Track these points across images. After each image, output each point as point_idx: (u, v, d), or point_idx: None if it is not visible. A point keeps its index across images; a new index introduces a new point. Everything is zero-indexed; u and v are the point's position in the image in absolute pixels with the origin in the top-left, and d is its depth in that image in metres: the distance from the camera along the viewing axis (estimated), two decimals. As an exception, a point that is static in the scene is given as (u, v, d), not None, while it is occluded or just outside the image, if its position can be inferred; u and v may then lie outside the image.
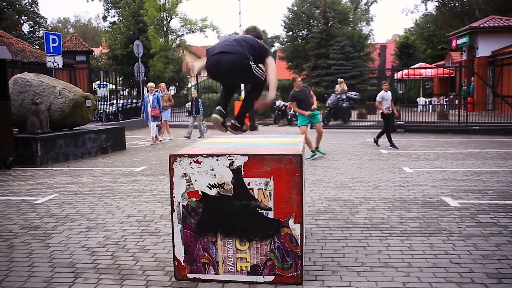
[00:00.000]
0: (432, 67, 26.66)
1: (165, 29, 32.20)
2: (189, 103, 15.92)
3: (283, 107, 21.11)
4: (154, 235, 4.98)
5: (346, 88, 20.89)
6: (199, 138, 14.84)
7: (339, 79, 20.91)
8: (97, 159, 10.78)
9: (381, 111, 11.96)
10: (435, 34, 36.63)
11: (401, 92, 29.15)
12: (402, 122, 16.36)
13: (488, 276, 3.74)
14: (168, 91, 16.33)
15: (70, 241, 4.84)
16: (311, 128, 11.22)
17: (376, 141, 12.23)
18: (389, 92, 11.83)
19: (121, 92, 26.33)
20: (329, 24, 36.04)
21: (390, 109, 11.86)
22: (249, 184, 3.60)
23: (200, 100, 15.66)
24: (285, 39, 42.38)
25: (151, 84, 14.18)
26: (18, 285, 3.74)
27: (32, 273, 3.98)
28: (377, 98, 11.90)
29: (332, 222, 5.33)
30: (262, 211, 3.61)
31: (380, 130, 12.44)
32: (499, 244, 4.47)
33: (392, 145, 11.77)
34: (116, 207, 6.23)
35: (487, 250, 4.32)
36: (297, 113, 10.66)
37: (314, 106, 10.22)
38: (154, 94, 13.80)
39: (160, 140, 14.29)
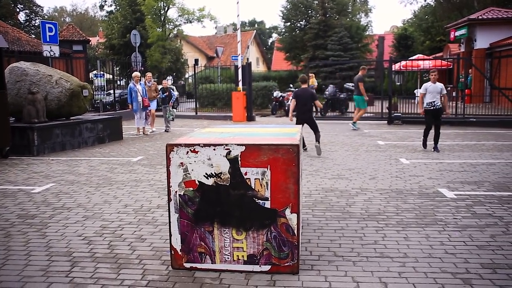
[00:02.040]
0: (430, 58, 26.57)
1: (162, 18, 31.97)
2: (160, 94, 14.99)
3: (281, 98, 21.06)
4: (151, 225, 4.99)
5: (315, 83, 19.24)
6: (165, 131, 14.32)
7: (310, 74, 19.09)
8: (94, 149, 10.76)
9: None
10: (434, 25, 36.53)
11: (398, 83, 29.08)
12: (400, 114, 16.38)
13: (483, 267, 3.77)
14: (166, 80, 16.03)
15: (67, 230, 4.84)
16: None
17: (435, 148, 9.75)
18: (438, 84, 9.57)
19: (118, 82, 26.21)
20: (327, 15, 35.93)
21: (436, 104, 9.49)
22: (246, 173, 3.60)
23: (172, 90, 15.10)
24: (283, 30, 42.28)
25: (137, 74, 13.91)
26: (15, 274, 3.74)
27: (29, 261, 3.99)
28: (420, 90, 9.96)
29: (329, 213, 5.34)
30: (259, 200, 3.62)
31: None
32: (494, 235, 4.50)
33: (424, 145, 10.00)
34: (113, 196, 6.23)
35: (482, 241, 4.35)
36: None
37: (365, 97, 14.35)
38: (140, 84, 13.64)
39: (152, 131, 14.09)
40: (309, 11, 38.98)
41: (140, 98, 13.29)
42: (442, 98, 9.65)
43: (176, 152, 3.68)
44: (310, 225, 4.89)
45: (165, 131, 14.37)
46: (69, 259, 4.03)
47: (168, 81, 15.66)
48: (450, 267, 3.77)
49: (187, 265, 3.76)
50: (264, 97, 23.29)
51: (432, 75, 9.73)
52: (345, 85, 22.95)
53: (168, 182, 3.72)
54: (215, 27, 58.51)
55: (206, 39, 53.31)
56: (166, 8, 32.05)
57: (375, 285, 3.47)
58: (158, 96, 14.51)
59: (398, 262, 3.87)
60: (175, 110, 15.32)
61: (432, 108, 9.56)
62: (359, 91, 14.03)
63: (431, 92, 9.56)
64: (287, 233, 3.63)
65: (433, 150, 9.69)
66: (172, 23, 33.24)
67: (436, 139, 9.75)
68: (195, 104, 21.62)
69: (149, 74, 14.97)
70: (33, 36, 34.96)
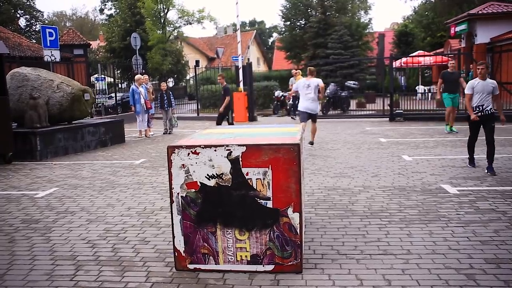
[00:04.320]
0: (430, 55, 26.58)
1: (162, 21, 32.02)
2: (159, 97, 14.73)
3: (282, 97, 21.05)
4: (154, 227, 5.00)
5: None
6: (167, 133, 14.21)
7: (293, 71, 17.82)
8: (96, 152, 10.78)
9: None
10: (434, 21, 36.46)
11: (401, 83, 28.89)
12: (401, 111, 16.36)
13: (487, 262, 3.76)
14: (166, 83, 15.98)
15: (71, 234, 4.86)
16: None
17: (489, 169, 7.10)
18: (489, 81, 7.21)
19: (120, 85, 26.26)
20: (327, 14, 35.91)
21: (485, 108, 7.13)
22: (247, 174, 3.60)
23: (171, 92, 15.02)
24: (283, 29, 42.27)
25: (140, 76, 13.94)
26: (20, 278, 3.76)
27: (34, 266, 4.01)
28: (465, 90, 7.41)
29: (332, 211, 5.35)
30: (261, 200, 3.62)
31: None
32: (498, 230, 4.50)
33: (471, 162, 7.59)
34: (116, 199, 6.25)
35: (486, 236, 4.34)
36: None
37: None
38: (143, 86, 13.67)
39: (151, 135, 14.01)
40: (309, 10, 38.96)
41: (143, 101, 13.36)
42: (494, 99, 7.27)
43: (177, 154, 3.69)
44: (313, 224, 4.89)
45: (168, 133, 14.36)
46: (73, 263, 4.05)
47: (169, 83, 15.58)
48: (454, 263, 3.77)
49: (191, 266, 3.77)
50: (266, 97, 23.28)
51: (479, 68, 7.22)
52: (346, 83, 22.94)
53: (170, 184, 3.74)
54: (215, 28, 58.56)
55: (207, 40, 53.35)
56: (166, 10, 32.10)
57: (378, 282, 3.47)
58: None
59: (401, 259, 3.87)
60: (175, 115, 15.24)
61: (480, 114, 7.19)
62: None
63: (479, 92, 7.13)
64: (290, 232, 3.64)
65: (486, 171, 7.10)
66: (172, 25, 33.30)
67: (490, 156, 7.11)
68: (196, 105, 21.64)
69: (146, 76, 14.93)
70: (34, 41, 35.03)
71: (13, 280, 3.74)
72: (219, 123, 12.74)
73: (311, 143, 10.25)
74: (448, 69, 12.04)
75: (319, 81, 10.03)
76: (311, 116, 10.13)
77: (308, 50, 35.70)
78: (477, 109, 7.20)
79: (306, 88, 9.97)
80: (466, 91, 7.37)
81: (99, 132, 11.62)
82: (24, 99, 10.36)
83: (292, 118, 15.09)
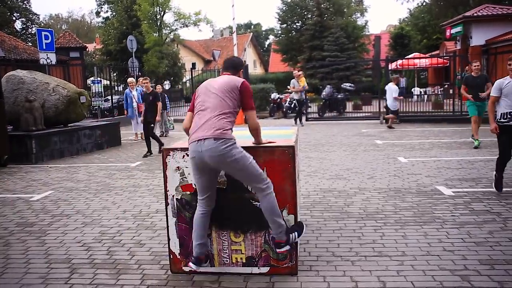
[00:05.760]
0: (426, 57, 26.66)
1: (158, 23, 32.05)
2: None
3: (279, 99, 21.07)
4: (150, 230, 5.00)
5: (306, 84, 16.35)
6: (163, 136, 14.04)
7: (295, 72, 17.05)
8: (92, 155, 10.76)
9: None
10: (430, 24, 36.60)
11: (401, 81, 28.88)
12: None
13: (481, 263, 3.78)
14: (162, 85, 15.94)
15: (66, 237, 4.85)
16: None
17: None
18: None
19: (116, 88, 26.24)
20: (323, 16, 36.02)
21: None
22: (242, 176, 3.60)
23: (166, 95, 14.83)
24: (280, 32, 42.39)
25: (132, 80, 13.93)
26: (15, 282, 3.75)
27: (28, 269, 4.00)
28: (492, 91, 6.07)
29: (327, 213, 5.35)
30: (256, 203, 3.62)
31: None
32: (492, 231, 4.51)
33: (498, 184, 6.00)
34: (111, 202, 6.24)
35: (480, 237, 4.36)
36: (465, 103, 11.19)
37: (484, 95, 9.39)
38: (136, 90, 13.64)
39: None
40: (305, 12, 39.09)
41: (135, 104, 13.28)
42: None
43: (172, 156, 3.70)
44: (308, 226, 4.88)
45: (164, 135, 14.33)
46: (68, 266, 4.04)
47: (166, 86, 15.52)
48: (448, 264, 3.78)
49: (186, 269, 3.77)
50: (262, 99, 23.28)
51: (510, 64, 5.78)
52: (342, 85, 22.98)
53: (165, 187, 3.74)
54: (212, 31, 58.53)
55: (203, 42, 53.33)
56: (162, 13, 32.13)
57: (373, 284, 3.48)
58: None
59: (396, 261, 3.88)
60: (171, 118, 15.22)
61: (510, 122, 5.75)
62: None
63: (509, 94, 5.73)
64: (285, 234, 3.63)
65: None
66: (168, 28, 33.34)
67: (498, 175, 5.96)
68: (193, 108, 21.61)
69: (140, 79, 14.88)
70: (30, 44, 34.99)
71: (7, 283, 3.73)
72: (152, 134, 10.43)
73: (390, 127, 14.14)
74: (472, 73, 10.03)
75: (392, 89, 14.10)
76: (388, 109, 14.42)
77: (304, 53, 35.79)
78: (508, 116, 5.71)
79: (387, 91, 14.30)
80: (492, 93, 6.02)
81: (95, 134, 11.61)
82: (19, 102, 10.35)
83: (298, 123, 15.78)
